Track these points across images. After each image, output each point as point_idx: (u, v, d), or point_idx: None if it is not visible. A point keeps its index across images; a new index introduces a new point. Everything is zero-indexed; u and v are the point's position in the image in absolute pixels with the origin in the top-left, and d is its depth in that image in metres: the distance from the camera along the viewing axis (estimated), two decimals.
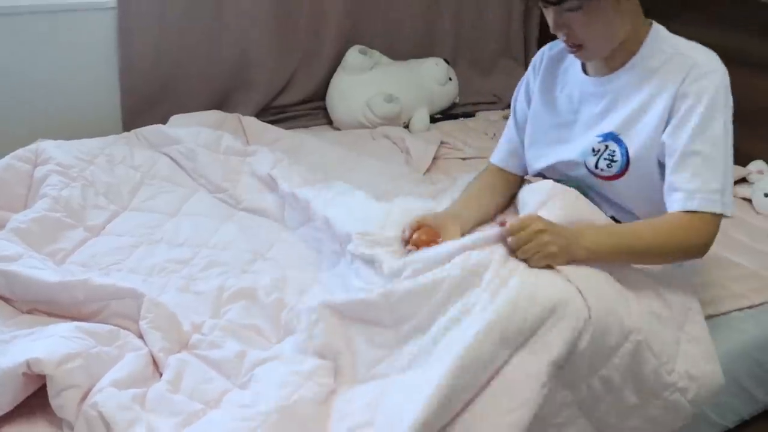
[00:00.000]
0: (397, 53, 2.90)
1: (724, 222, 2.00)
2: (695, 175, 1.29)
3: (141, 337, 1.35)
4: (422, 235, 1.44)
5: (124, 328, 1.36)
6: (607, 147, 1.43)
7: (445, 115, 2.90)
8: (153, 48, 2.49)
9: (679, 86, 1.33)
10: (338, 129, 2.71)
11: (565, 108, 1.54)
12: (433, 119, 2.80)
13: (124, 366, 1.25)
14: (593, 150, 1.45)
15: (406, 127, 2.70)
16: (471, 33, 3.07)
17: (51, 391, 1.17)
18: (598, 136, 1.44)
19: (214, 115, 2.36)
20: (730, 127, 1.34)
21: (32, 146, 1.95)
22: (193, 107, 2.41)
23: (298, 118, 2.75)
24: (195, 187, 2.01)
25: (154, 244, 1.74)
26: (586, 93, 1.49)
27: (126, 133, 2.18)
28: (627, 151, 1.40)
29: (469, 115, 2.92)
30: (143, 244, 1.73)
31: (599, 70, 1.47)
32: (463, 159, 2.46)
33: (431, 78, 2.82)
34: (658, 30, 1.41)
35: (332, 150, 2.29)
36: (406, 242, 1.45)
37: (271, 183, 1.94)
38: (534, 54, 3.15)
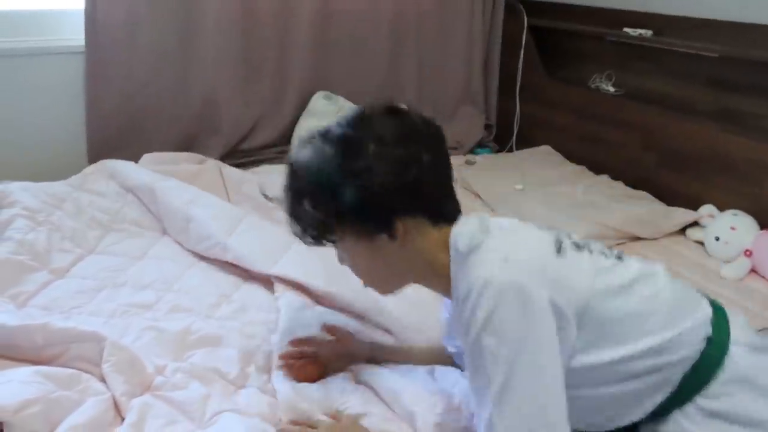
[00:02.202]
0: (361, 99, 2.95)
1: (676, 263, 2.08)
2: None
3: (103, 380, 1.33)
4: (307, 365, 1.38)
5: (86, 372, 1.35)
6: None
7: None
8: (120, 92, 2.50)
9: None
10: None
11: None
12: None
13: (84, 411, 1.22)
14: None
15: None
16: (433, 80, 3.16)
17: None
18: None
19: (190, 158, 2.37)
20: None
21: None
22: (159, 150, 2.43)
23: (264, 161, 2.77)
24: (162, 230, 2.01)
25: (118, 287, 1.73)
26: None
27: (93, 166, 2.18)
28: None
29: None
30: (107, 287, 1.72)
31: None
32: None
33: None
34: (455, 246, 1.08)
35: None
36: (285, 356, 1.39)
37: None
38: (493, 101, 3.24)
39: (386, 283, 1.20)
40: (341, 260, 1.20)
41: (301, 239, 1.16)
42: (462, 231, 1.08)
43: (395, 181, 1.05)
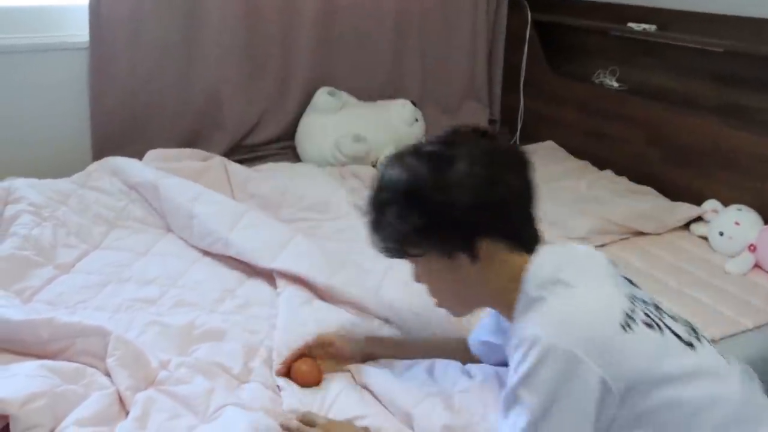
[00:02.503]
0: (365, 95, 2.96)
1: (680, 258, 2.08)
2: None
3: (108, 374, 1.34)
4: (302, 365, 1.40)
5: (91, 366, 1.36)
6: None
7: None
8: (124, 88, 2.51)
9: None
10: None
11: None
12: None
13: (89, 405, 1.23)
14: None
15: (374, 166, 2.75)
16: (437, 75, 3.16)
17: (14, 431, 1.16)
18: None
19: (194, 154, 2.37)
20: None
21: (4, 183, 1.95)
22: (163, 146, 2.42)
23: (268, 157, 2.77)
24: (167, 227, 2.02)
25: (122, 282, 1.73)
26: None
27: (96, 164, 2.18)
28: None
29: None
30: (112, 283, 1.72)
31: None
32: None
33: (399, 119, 2.88)
34: (526, 285, 1.09)
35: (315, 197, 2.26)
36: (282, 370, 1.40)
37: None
38: (497, 97, 3.23)
39: (462, 304, 1.21)
40: (416, 278, 1.20)
41: (380, 251, 1.17)
42: (537, 274, 1.08)
43: (482, 199, 1.06)
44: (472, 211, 1.06)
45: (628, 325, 1.02)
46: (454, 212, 1.06)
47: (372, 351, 1.47)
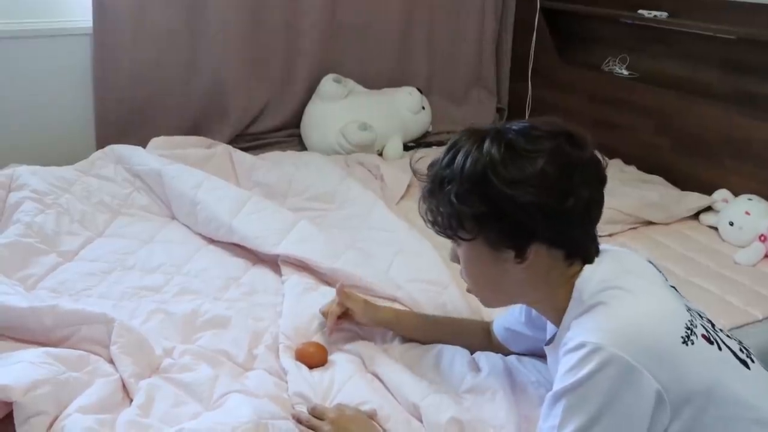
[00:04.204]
0: (371, 82, 2.94)
1: (689, 249, 2.06)
2: None
3: (111, 362, 1.33)
4: (309, 347, 1.42)
5: (95, 354, 1.35)
6: None
7: (418, 143, 2.93)
8: (128, 74, 2.49)
9: None
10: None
11: None
12: (407, 147, 2.83)
13: (93, 392, 1.23)
14: None
15: (380, 154, 2.73)
16: (444, 63, 3.13)
17: (18, 418, 1.15)
18: None
19: (199, 141, 2.36)
20: None
21: (7, 171, 1.94)
22: (167, 133, 2.41)
23: (273, 145, 2.76)
24: (171, 216, 2.01)
25: (126, 270, 1.73)
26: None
27: (100, 151, 2.17)
28: None
29: (442, 143, 2.95)
30: (116, 270, 1.72)
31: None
32: None
33: (405, 107, 2.86)
34: (580, 291, 1.06)
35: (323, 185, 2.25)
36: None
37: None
38: (505, 85, 3.21)
39: (493, 297, 1.18)
40: (454, 259, 1.16)
41: (428, 224, 1.13)
42: (592, 278, 1.05)
43: (548, 205, 1.02)
44: (534, 214, 1.02)
45: (689, 338, 0.99)
46: (517, 210, 1.02)
47: (374, 317, 1.47)
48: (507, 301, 1.20)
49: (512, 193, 1.01)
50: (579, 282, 1.06)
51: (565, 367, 0.99)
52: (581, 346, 0.96)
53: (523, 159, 1.02)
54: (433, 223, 1.12)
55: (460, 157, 1.06)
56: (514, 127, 1.07)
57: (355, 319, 1.47)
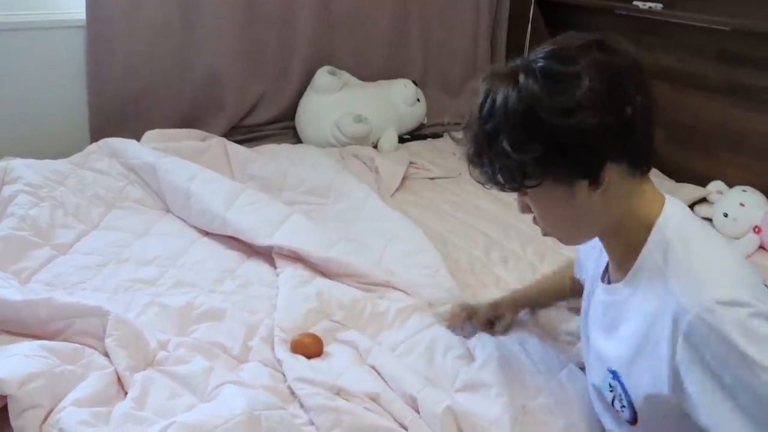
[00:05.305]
0: (366, 74, 2.93)
1: None
2: None
3: (106, 355, 1.33)
4: (305, 338, 1.43)
5: (89, 347, 1.35)
6: (616, 387, 1.09)
7: (413, 135, 2.93)
8: (122, 67, 2.48)
9: (672, 353, 0.94)
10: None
11: (581, 317, 1.27)
12: (402, 139, 2.83)
13: (88, 385, 1.23)
14: (609, 386, 1.11)
15: (375, 147, 2.73)
16: (439, 55, 3.12)
17: (12, 411, 1.15)
18: (609, 371, 1.10)
19: (193, 134, 2.35)
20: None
21: (1, 164, 1.93)
22: (162, 126, 2.40)
23: (268, 137, 2.75)
24: (165, 209, 2.00)
25: (121, 262, 1.72)
26: (597, 301, 1.17)
27: (94, 145, 2.16)
28: (631, 400, 1.05)
29: (438, 135, 2.95)
30: (110, 263, 1.71)
31: (612, 273, 1.13)
32: (431, 179, 2.49)
33: (400, 99, 2.85)
34: (666, 219, 1.01)
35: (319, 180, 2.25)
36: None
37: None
38: None
39: (574, 234, 1.10)
40: (524, 209, 1.09)
41: (486, 184, 1.05)
42: (675, 212, 1.01)
43: (609, 121, 0.95)
44: (599, 135, 0.95)
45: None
46: (580, 137, 0.94)
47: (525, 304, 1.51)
48: (587, 235, 1.10)
49: (568, 122, 0.94)
50: (660, 220, 1.00)
51: (691, 357, 0.90)
52: (701, 308, 0.89)
53: (566, 84, 0.95)
54: (494, 183, 1.04)
55: (499, 104, 0.98)
56: (540, 55, 0.99)
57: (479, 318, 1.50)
